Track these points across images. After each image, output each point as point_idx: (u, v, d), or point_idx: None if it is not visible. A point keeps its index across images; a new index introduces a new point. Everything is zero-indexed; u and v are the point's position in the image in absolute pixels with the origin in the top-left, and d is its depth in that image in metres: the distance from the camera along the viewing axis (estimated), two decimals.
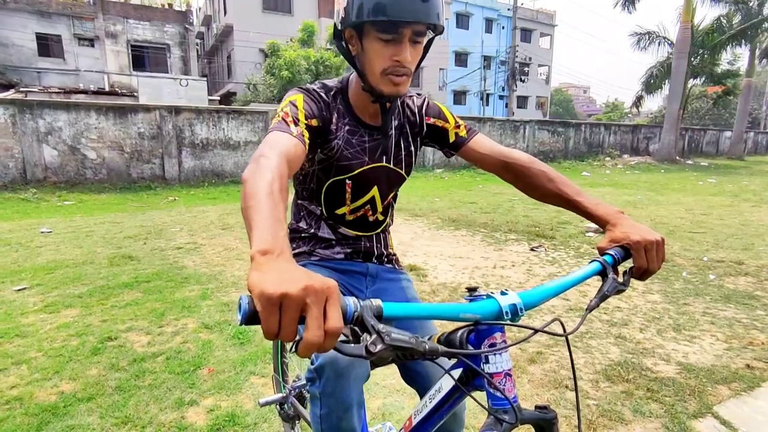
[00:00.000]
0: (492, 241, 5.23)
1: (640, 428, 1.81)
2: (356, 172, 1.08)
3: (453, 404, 0.83)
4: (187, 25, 20.40)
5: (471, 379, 0.77)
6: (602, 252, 0.86)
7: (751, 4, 19.16)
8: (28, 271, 3.96)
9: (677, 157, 18.81)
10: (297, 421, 1.55)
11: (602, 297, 0.79)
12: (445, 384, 0.82)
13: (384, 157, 1.10)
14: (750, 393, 2.06)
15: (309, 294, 0.50)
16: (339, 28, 0.95)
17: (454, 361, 0.78)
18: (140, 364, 2.34)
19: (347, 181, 1.09)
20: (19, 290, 3.47)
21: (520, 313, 0.70)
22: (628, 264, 0.86)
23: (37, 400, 2.01)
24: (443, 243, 5.10)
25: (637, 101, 22.72)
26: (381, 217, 1.19)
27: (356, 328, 0.57)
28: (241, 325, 0.50)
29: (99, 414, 1.91)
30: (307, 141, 0.93)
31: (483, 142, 1.12)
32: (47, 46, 18.22)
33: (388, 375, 2.16)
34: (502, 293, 0.71)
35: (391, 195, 1.19)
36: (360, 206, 1.13)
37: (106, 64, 18.83)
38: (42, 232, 5.51)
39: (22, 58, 17.71)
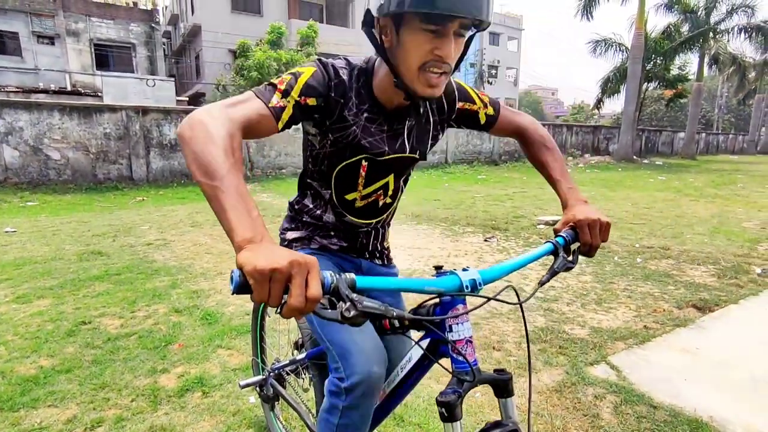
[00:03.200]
0: (450, 233, 5.60)
1: (547, 375, 2.18)
2: (376, 159, 1.04)
3: (422, 372, 0.93)
4: (153, 24, 20.09)
5: (437, 348, 0.86)
6: (556, 234, 0.95)
7: (698, 14, 20.51)
8: None
9: (634, 157, 19.90)
10: (276, 402, 1.64)
11: (552, 273, 0.88)
12: (414, 354, 0.93)
13: (406, 148, 1.05)
14: (640, 346, 2.47)
15: (294, 266, 0.58)
16: (374, 14, 0.87)
17: (422, 334, 0.87)
18: (114, 342, 2.56)
19: (363, 164, 1.03)
20: None
21: (478, 287, 0.77)
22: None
23: (19, 373, 2.21)
24: (404, 236, 5.43)
25: (598, 103, 23.87)
26: (390, 200, 1.15)
27: (333, 298, 0.65)
28: (233, 294, 0.59)
29: (78, 382, 2.13)
30: (285, 118, 0.87)
31: (507, 117, 1.17)
32: (3, 43, 17.58)
33: None
34: (464, 270, 0.79)
35: (405, 176, 1.16)
36: (372, 192, 1.10)
37: (67, 62, 18.33)
38: (6, 232, 5.52)
39: None
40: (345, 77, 0.96)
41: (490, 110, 1.14)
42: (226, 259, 4.33)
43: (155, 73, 19.35)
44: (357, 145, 1.00)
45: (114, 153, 9.94)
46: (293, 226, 1.19)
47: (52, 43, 18.27)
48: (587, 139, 21.45)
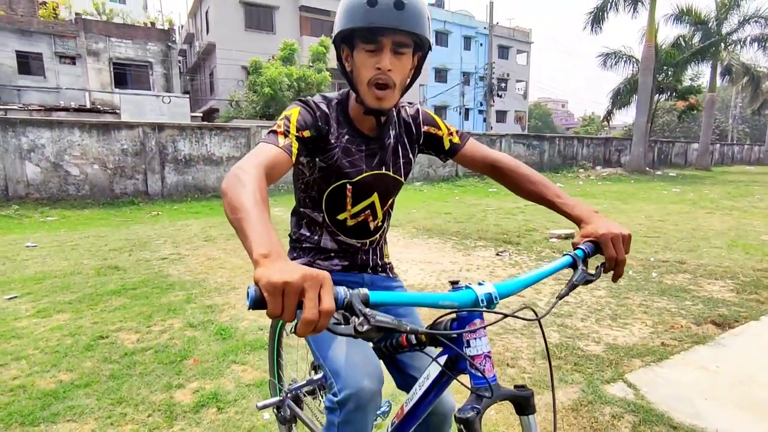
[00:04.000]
0: (462, 247, 5.59)
1: (562, 393, 2.15)
2: (356, 179, 1.13)
3: (440, 389, 0.91)
4: (169, 43, 20.65)
5: (455, 364, 0.84)
6: (575, 247, 0.93)
7: (709, 25, 20.44)
8: (16, 281, 4.14)
9: (647, 168, 19.69)
10: (293, 424, 1.61)
11: (571, 286, 0.86)
12: (432, 371, 0.90)
13: (382, 166, 1.15)
14: (658, 364, 2.43)
15: (306, 281, 0.59)
16: (332, 42, 1.05)
17: (440, 350, 0.87)
18: (131, 357, 2.59)
19: (348, 186, 1.13)
20: (9, 299, 3.66)
21: (495, 302, 0.77)
22: (602, 259, 0.93)
23: (39, 387, 2.25)
24: (416, 250, 5.44)
25: (608, 115, 23.77)
26: (380, 223, 1.24)
27: (346, 313, 0.65)
28: (249, 309, 0.60)
29: (96, 397, 2.16)
30: (295, 151, 1.00)
31: (474, 147, 1.22)
32: (27, 63, 18.23)
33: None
34: (479, 284, 0.78)
35: (390, 201, 1.24)
36: (360, 211, 1.18)
37: (87, 81, 18.89)
38: (27, 246, 5.66)
39: (1, 76, 17.67)
40: (325, 108, 1.10)
41: (456, 138, 1.22)
42: (239, 274, 4.38)
43: (171, 90, 19.82)
44: (339, 166, 1.11)
45: (130, 168, 10.17)
46: (295, 254, 1.26)
47: (74, 63, 18.89)
48: (598, 151, 21.30)
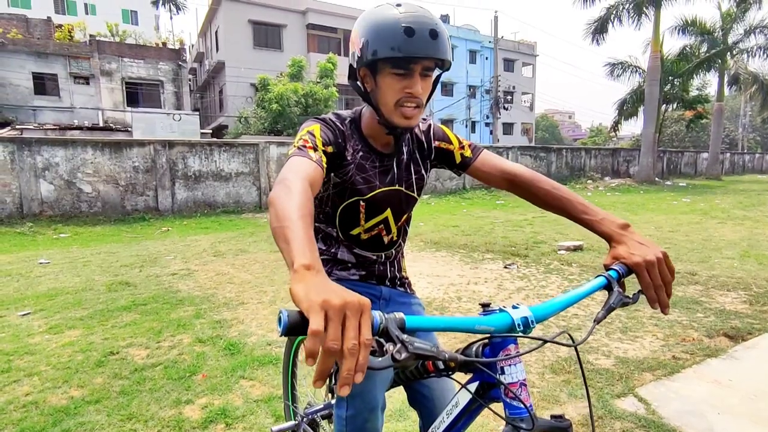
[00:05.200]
0: (469, 260, 5.58)
1: (572, 407, 2.12)
2: (368, 195, 1.14)
3: (470, 417, 0.86)
4: (180, 62, 21.17)
5: (487, 392, 0.80)
6: (607, 268, 0.88)
7: (715, 35, 20.46)
8: (30, 298, 4.21)
9: (657, 179, 19.54)
10: None
11: (608, 309, 0.81)
12: (461, 398, 0.85)
13: (395, 182, 1.16)
14: (669, 378, 2.39)
15: (348, 307, 0.54)
16: (354, 67, 1.03)
17: (469, 376, 0.82)
18: (141, 372, 2.62)
19: (361, 203, 1.14)
20: (23, 315, 3.72)
21: (531, 326, 0.73)
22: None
23: (50, 403, 2.28)
24: (423, 263, 5.44)
25: (615, 126, 23.72)
26: (395, 238, 1.23)
27: (381, 339, 0.61)
28: (282, 336, 0.55)
29: (106, 413, 2.19)
30: (325, 165, 0.99)
31: (488, 160, 1.18)
32: (43, 84, 18.80)
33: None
34: (514, 307, 0.74)
35: (405, 216, 1.23)
36: (373, 226, 1.18)
37: (100, 100, 19.39)
38: (40, 263, 5.76)
39: (18, 97, 18.22)
40: (340, 125, 1.11)
41: (467, 152, 1.20)
42: (248, 289, 4.41)
43: (181, 108, 20.24)
44: (353, 182, 1.11)
45: (141, 185, 10.35)
46: None
47: (87, 83, 19.42)
48: (607, 161, 21.21)
